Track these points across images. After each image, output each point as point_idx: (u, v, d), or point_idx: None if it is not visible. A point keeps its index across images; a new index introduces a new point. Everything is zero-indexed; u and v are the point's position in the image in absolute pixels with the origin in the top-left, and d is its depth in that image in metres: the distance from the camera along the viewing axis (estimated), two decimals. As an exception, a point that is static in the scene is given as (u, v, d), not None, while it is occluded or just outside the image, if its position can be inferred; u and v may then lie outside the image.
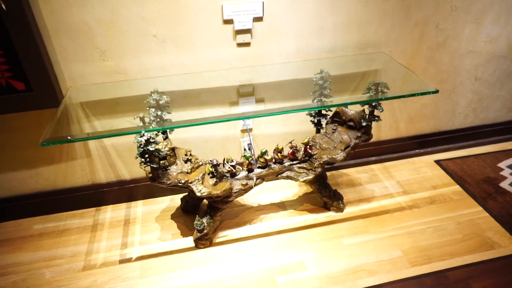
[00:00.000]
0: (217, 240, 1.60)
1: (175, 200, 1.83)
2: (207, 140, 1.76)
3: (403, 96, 1.37)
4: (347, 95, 1.64)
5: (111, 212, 1.78)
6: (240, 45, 1.54)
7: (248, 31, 1.51)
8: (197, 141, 1.75)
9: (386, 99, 1.37)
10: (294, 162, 1.57)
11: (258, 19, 1.49)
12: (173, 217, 1.74)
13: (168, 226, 1.69)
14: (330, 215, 1.70)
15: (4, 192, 1.69)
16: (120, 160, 1.72)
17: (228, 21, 1.47)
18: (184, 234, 1.64)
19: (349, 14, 1.56)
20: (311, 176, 1.54)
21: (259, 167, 1.55)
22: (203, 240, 1.56)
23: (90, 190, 1.75)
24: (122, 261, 1.53)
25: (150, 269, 1.49)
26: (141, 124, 1.23)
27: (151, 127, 1.30)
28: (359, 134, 1.52)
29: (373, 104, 1.44)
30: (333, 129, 1.60)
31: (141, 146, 1.29)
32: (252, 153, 1.78)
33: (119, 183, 1.77)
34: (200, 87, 1.60)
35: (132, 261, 1.52)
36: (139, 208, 1.80)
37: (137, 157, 1.31)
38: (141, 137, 1.26)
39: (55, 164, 1.65)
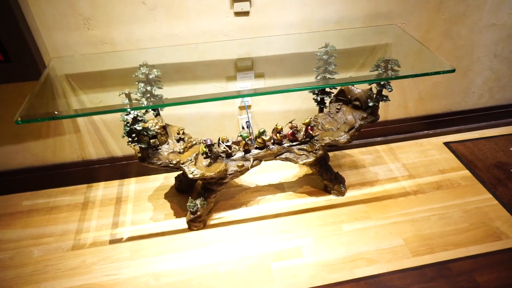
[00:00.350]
0: (212, 222, 1.54)
1: (169, 179, 1.76)
2: (203, 117, 1.66)
3: (415, 76, 1.24)
4: (353, 71, 1.51)
5: (102, 190, 1.72)
6: (238, 14, 1.40)
7: (247, -2, 1.36)
8: (192, 118, 1.65)
9: (396, 78, 1.25)
10: (294, 143, 1.47)
11: (258, -15, 1.35)
12: (167, 196, 1.67)
13: (161, 205, 1.62)
14: (331, 198, 1.62)
15: (-9, 167, 1.62)
16: (111, 136, 1.63)
17: (224, -13, 1.33)
18: (177, 215, 1.58)
19: (360, -19, 1.41)
20: (311, 159, 1.44)
21: (256, 148, 1.45)
22: (197, 222, 1.49)
23: (81, 167, 1.68)
24: (112, 242, 1.48)
25: (140, 251, 1.43)
26: (127, 101, 1.13)
27: (139, 104, 1.20)
28: (364, 115, 1.41)
29: (382, 83, 1.32)
30: (337, 108, 1.49)
31: (128, 124, 1.20)
32: (250, 131, 1.68)
33: (111, 160, 1.69)
34: (194, 60, 1.48)
35: (122, 242, 1.47)
36: (132, 186, 1.73)
37: (124, 136, 1.22)
38: (127, 115, 1.17)
39: (43, 139, 1.57)
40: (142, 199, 1.66)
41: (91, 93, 1.44)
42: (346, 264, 1.35)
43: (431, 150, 1.87)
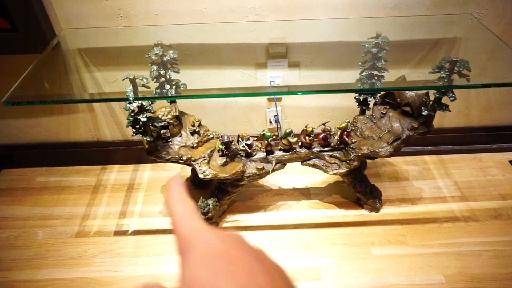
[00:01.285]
0: (224, 225, 1.39)
1: (186, 169, 1.62)
2: (227, 106, 1.48)
3: (485, 86, 0.97)
4: (408, 69, 1.25)
5: (116, 174, 1.62)
6: (274, -10, 1.17)
7: (286, -28, 1.13)
8: (215, 106, 1.48)
9: (462, 87, 0.98)
10: (325, 149, 1.25)
11: (301, -45, 1.11)
12: (181, 189, 1.54)
13: (173, 199, 1.49)
14: (362, 214, 1.40)
15: (8, 139, 1.57)
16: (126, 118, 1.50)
17: (260, -44, 1.10)
18: (188, 212, 1.44)
19: (430, -45, 1.12)
20: (343, 170, 1.23)
21: (280, 150, 1.26)
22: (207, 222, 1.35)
23: (95, 147, 1.58)
24: (117, 233, 1.38)
25: (144, 248, 1.32)
26: (130, 88, 0.97)
27: (149, 91, 1.04)
28: (415, 125, 1.16)
29: (443, 89, 1.05)
30: (382, 112, 1.24)
31: (132, 114, 1.05)
32: (279, 127, 1.49)
33: (126, 143, 1.58)
34: (220, 41, 1.28)
35: (127, 235, 1.37)
36: (146, 172, 1.62)
37: (128, 126, 1.08)
38: (130, 103, 1.01)
39: (56, 116, 1.48)
40: (154, 189, 1.54)
41: (105, 70, 1.31)
42: (370, 298, 1.15)
43: (493, 168, 1.57)
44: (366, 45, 1.15)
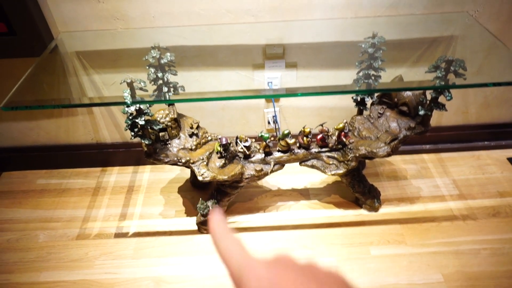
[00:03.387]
0: (223, 226, 1.39)
1: (185, 171, 1.62)
2: (225, 107, 1.48)
3: (482, 85, 0.97)
4: (405, 68, 1.25)
5: (116, 175, 1.62)
6: (270, -9, 1.17)
7: (281, -27, 1.13)
8: (212, 108, 1.48)
9: (458, 87, 0.99)
10: (323, 149, 1.26)
11: (296, -44, 1.10)
12: (180, 190, 1.55)
13: (173, 200, 1.50)
14: (361, 213, 1.41)
15: (8, 142, 1.58)
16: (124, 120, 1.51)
17: (255, -42, 1.10)
18: (188, 213, 1.45)
19: (426, -45, 1.11)
20: (341, 170, 1.23)
21: (279, 151, 1.26)
22: (207, 225, 1.36)
23: (95, 149, 1.59)
24: (117, 235, 1.38)
25: (144, 249, 1.33)
26: (128, 91, 0.98)
27: (146, 94, 1.04)
28: (412, 125, 1.16)
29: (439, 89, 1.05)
30: (380, 112, 1.25)
31: (130, 117, 1.05)
32: (277, 127, 1.49)
33: (126, 145, 1.59)
34: (217, 43, 1.29)
35: (127, 237, 1.37)
36: (146, 174, 1.62)
37: (126, 130, 1.08)
38: (128, 107, 1.02)
39: (55, 118, 1.49)
40: (154, 191, 1.54)
41: (103, 73, 1.32)
42: (369, 297, 1.16)
43: (491, 165, 1.57)
44: (363, 45, 1.15)
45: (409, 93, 1.18)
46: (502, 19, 1.26)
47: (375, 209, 1.40)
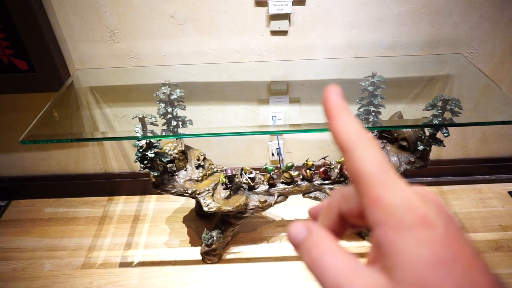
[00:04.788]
0: (227, 257, 1.41)
1: (190, 200, 1.65)
2: (231, 139, 1.53)
3: (479, 124, 1.01)
4: (403, 104, 1.30)
5: (122, 205, 1.65)
6: (274, 33, 1.25)
7: (285, 16, 1.21)
8: (219, 140, 1.53)
9: (454, 125, 1.03)
10: (326, 181, 1.29)
11: (299, 1, 1.19)
12: (185, 220, 1.57)
13: (178, 230, 1.52)
14: (364, 245, 1.42)
15: (19, 171, 1.63)
16: (134, 152, 1.56)
17: (261, 3, 1.19)
18: (193, 243, 1.47)
19: (422, 0, 1.19)
20: (343, 203, 1.26)
21: (282, 183, 1.30)
22: (211, 256, 1.37)
23: (103, 179, 1.63)
24: (122, 264, 1.40)
25: (149, 279, 1.34)
26: (139, 126, 1.03)
27: (156, 128, 1.10)
28: (412, 159, 1.20)
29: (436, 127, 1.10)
30: (380, 147, 1.29)
31: (140, 150, 1.10)
32: (281, 159, 1.53)
33: (133, 174, 1.63)
34: (224, 80, 1.36)
35: (132, 266, 1.39)
36: (152, 204, 1.65)
37: (136, 161, 1.13)
38: (139, 140, 1.07)
39: (66, 149, 1.54)
40: (159, 220, 1.57)
41: (114, 107, 1.38)
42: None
43: (492, 199, 1.59)
44: (363, 83, 1.21)
45: (408, 129, 1.23)
46: (495, 60, 1.32)
47: (377, 241, 1.41)
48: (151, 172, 1.15)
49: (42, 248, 1.48)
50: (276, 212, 1.56)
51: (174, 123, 1.22)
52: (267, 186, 1.30)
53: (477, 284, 0.17)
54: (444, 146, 1.14)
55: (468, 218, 1.51)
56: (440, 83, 1.30)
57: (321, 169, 1.28)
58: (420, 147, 1.16)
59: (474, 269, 0.17)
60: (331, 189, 1.29)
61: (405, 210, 0.18)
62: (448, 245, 0.17)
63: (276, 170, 1.27)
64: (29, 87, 1.27)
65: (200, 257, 1.40)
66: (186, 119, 1.23)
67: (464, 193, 1.63)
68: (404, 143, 1.24)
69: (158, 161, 1.16)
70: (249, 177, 1.28)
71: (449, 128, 1.12)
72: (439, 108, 1.06)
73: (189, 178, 1.27)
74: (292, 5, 1.18)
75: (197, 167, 1.30)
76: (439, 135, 1.13)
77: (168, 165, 1.24)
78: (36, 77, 1.24)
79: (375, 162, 0.20)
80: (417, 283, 0.17)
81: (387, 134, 1.29)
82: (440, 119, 1.07)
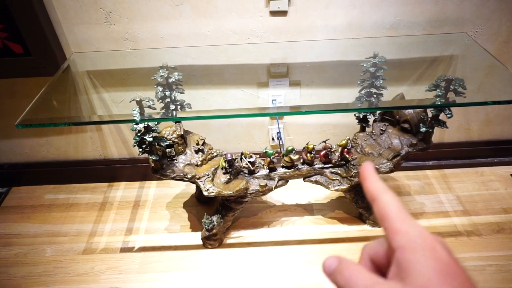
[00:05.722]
0: (228, 241, 1.41)
1: (191, 186, 1.65)
2: (230, 124, 1.52)
3: (483, 104, 0.99)
4: (406, 86, 1.28)
5: (122, 191, 1.65)
6: (274, 13, 1.22)
7: (285, -4, 1.18)
8: (218, 125, 1.52)
9: (457, 105, 1.01)
10: (327, 165, 1.28)
11: (299, -19, 1.16)
12: (186, 205, 1.57)
13: (179, 215, 1.52)
14: (365, 229, 1.42)
15: (18, 158, 1.62)
16: (132, 136, 1.54)
17: (260, -18, 1.16)
18: (193, 228, 1.47)
19: (425, -22, 1.16)
20: (345, 186, 1.25)
21: (283, 167, 1.29)
22: (212, 240, 1.37)
23: (102, 165, 1.62)
24: (123, 250, 1.40)
25: (150, 264, 1.34)
26: (137, 109, 1.01)
27: (154, 112, 1.08)
28: (414, 141, 1.19)
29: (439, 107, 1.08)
30: (382, 129, 1.27)
31: (138, 134, 1.08)
32: (281, 143, 1.52)
33: (132, 160, 1.62)
34: (223, 62, 1.33)
35: (133, 252, 1.39)
36: (152, 189, 1.65)
37: (134, 146, 1.12)
38: (137, 124, 1.05)
39: (65, 135, 1.53)
40: (160, 206, 1.57)
41: (112, 91, 1.36)
42: (374, 314, 1.15)
43: (495, 182, 1.58)
44: (364, 65, 1.18)
45: (410, 110, 1.21)
46: (501, 39, 1.29)
47: (378, 224, 1.41)
48: (150, 157, 1.14)
49: (43, 234, 1.48)
50: (276, 196, 1.56)
51: (172, 107, 1.20)
52: (268, 171, 1.29)
53: None
54: (447, 127, 1.12)
55: (470, 201, 1.50)
56: (443, 64, 1.28)
57: (322, 153, 1.26)
58: (423, 129, 1.14)
59: (467, 282, 0.24)
60: (332, 172, 1.28)
61: (418, 237, 0.25)
62: (448, 263, 0.24)
63: (276, 154, 1.26)
64: (25, 71, 1.25)
65: (200, 242, 1.40)
66: (184, 103, 1.22)
67: (466, 176, 1.61)
68: (406, 125, 1.22)
69: (157, 146, 1.15)
70: (249, 161, 1.27)
71: (452, 110, 1.10)
72: (442, 89, 1.04)
73: (188, 162, 1.26)
74: (292, -16, 1.15)
75: (197, 152, 1.29)
76: (442, 116, 1.11)
77: (167, 150, 1.23)
78: (32, 61, 1.22)
79: (395, 206, 0.27)
80: (424, 286, 0.23)
81: (389, 116, 1.27)
82: (443, 100, 1.05)
